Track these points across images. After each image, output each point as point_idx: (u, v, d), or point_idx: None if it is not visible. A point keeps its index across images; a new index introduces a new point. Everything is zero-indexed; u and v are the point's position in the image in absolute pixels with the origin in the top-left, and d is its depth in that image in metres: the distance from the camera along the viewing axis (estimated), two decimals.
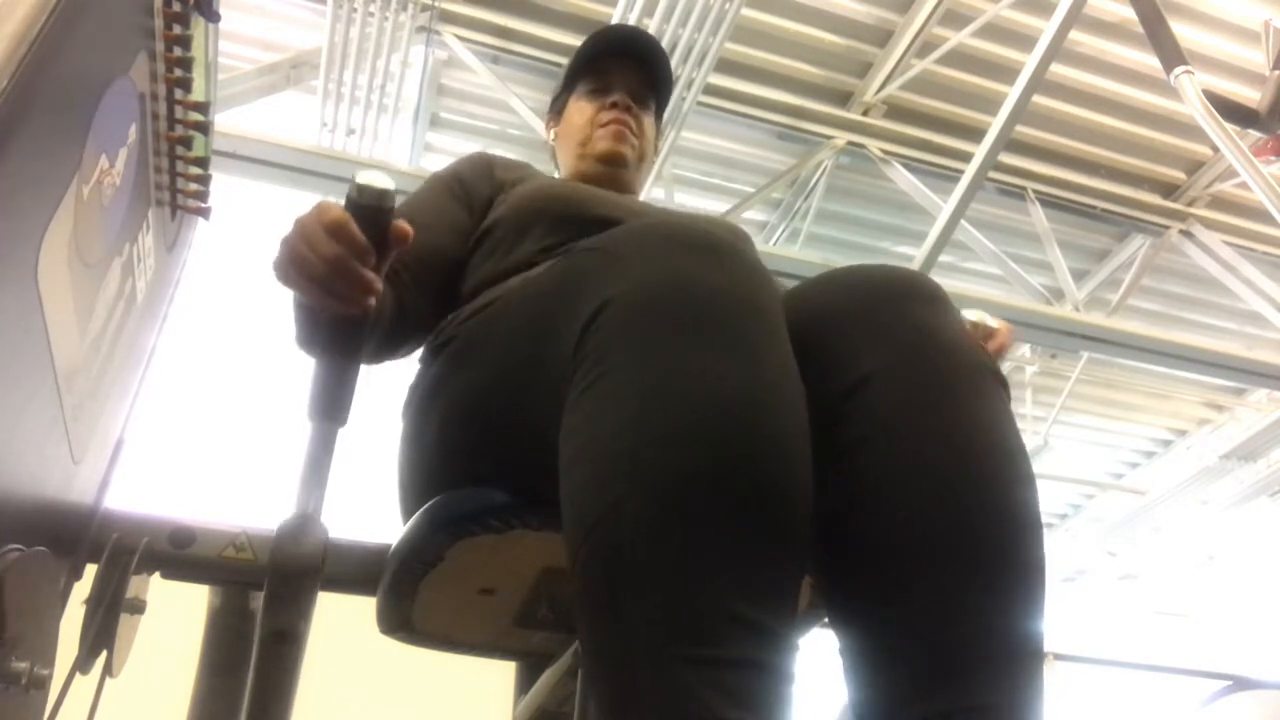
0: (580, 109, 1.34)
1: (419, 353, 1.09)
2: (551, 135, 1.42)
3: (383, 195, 0.80)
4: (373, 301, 0.81)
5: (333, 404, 0.84)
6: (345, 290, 0.79)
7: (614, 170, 1.30)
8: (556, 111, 1.41)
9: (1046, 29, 2.81)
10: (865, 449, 0.73)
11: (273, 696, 0.75)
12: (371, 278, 0.79)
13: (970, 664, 0.66)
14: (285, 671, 0.76)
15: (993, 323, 0.97)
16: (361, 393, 0.88)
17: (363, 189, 0.80)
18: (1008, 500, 0.71)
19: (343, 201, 0.81)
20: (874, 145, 3.79)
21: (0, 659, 0.63)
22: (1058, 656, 2.78)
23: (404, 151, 3.68)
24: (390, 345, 1.09)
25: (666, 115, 1.50)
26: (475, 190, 1.22)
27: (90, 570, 0.92)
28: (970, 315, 0.93)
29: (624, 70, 1.34)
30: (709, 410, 0.64)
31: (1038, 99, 3.26)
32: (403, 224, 0.81)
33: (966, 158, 3.27)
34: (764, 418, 0.65)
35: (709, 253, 0.72)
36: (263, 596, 0.77)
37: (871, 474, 0.72)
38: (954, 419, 0.73)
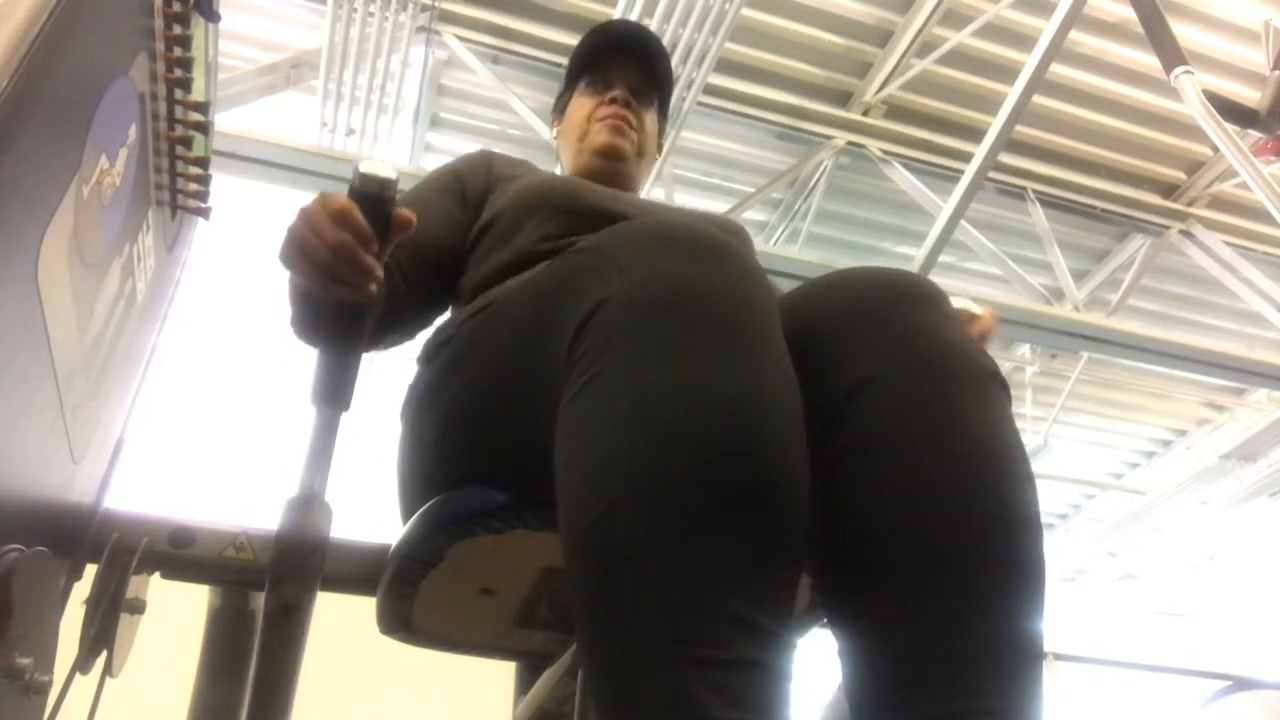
0: (580, 105, 1.34)
1: (417, 354, 1.09)
2: (554, 134, 1.42)
3: (384, 184, 0.81)
4: (374, 288, 0.82)
5: (335, 390, 0.85)
6: (349, 276, 0.80)
7: (612, 164, 1.29)
8: (560, 110, 1.41)
9: (1046, 29, 2.81)
10: (866, 452, 0.73)
11: (273, 696, 0.75)
12: (374, 264, 0.81)
13: (971, 666, 0.66)
14: (285, 671, 0.76)
15: (975, 309, 0.96)
16: (360, 393, 0.88)
17: (366, 178, 0.81)
18: (1008, 502, 0.71)
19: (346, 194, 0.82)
20: (874, 145, 3.79)
21: (4, 654, 0.63)
22: (1058, 656, 2.78)
23: (404, 151, 3.67)
24: (380, 334, 1.12)
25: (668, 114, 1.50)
26: (471, 185, 1.23)
27: (90, 570, 0.92)
28: (955, 303, 0.93)
29: (624, 66, 1.34)
30: (705, 412, 0.64)
31: (1038, 99, 3.26)
32: (404, 212, 0.82)
33: (966, 158, 3.27)
34: (760, 419, 0.65)
35: (706, 254, 0.72)
36: (263, 597, 0.77)
37: (872, 477, 0.72)
38: (955, 422, 0.73)
